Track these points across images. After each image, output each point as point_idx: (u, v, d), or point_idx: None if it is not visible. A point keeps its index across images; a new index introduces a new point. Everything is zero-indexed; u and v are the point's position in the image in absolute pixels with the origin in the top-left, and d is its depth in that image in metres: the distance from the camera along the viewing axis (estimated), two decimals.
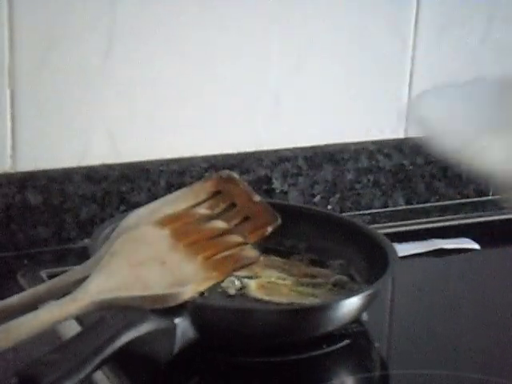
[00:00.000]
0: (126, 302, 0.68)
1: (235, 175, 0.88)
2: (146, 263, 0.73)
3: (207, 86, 0.99)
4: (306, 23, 1.03)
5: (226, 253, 0.78)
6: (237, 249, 0.79)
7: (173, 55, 0.97)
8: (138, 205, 0.87)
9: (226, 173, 0.88)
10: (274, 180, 1.03)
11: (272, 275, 0.81)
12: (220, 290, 0.79)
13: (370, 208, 1.10)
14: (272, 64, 1.02)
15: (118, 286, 0.69)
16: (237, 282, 0.80)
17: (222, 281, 0.78)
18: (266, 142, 1.04)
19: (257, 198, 0.86)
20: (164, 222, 0.79)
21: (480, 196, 1.16)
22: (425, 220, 1.08)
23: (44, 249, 0.92)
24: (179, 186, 0.91)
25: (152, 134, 0.98)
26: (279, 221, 0.85)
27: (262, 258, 0.81)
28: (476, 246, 0.97)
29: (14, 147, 0.91)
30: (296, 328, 0.73)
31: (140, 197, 0.96)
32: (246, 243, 0.80)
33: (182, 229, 0.79)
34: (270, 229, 0.85)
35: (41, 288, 0.72)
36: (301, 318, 0.73)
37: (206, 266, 0.75)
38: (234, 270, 0.78)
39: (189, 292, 0.70)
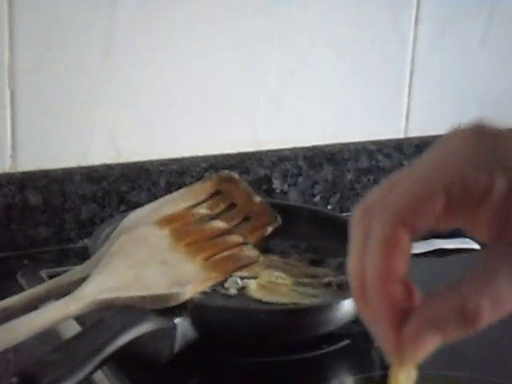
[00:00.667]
0: (126, 302, 0.68)
1: (235, 175, 0.88)
2: (145, 263, 0.73)
3: (207, 86, 0.99)
4: (306, 23, 1.03)
5: (226, 253, 0.78)
6: (237, 249, 0.80)
7: (173, 55, 0.97)
8: (138, 205, 0.87)
9: (226, 173, 0.88)
10: (273, 180, 1.03)
11: (272, 275, 0.81)
12: (221, 290, 0.79)
13: None
14: (272, 64, 1.02)
15: (118, 285, 0.69)
16: (239, 282, 0.80)
17: (223, 281, 0.78)
18: (265, 142, 1.04)
19: (257, 198, 0.86)
20: (164, 222, 0.79)
21: None
22: None
23: (44, 249, 0.92)
24: (179, 186, 0.91)
25: (152, 134, 0.98)
26: (279, 221, 0.85)
27: (261, 258, 0.81)
28: (476, 246, 0.97)
29: (14, 147, 0.91)
30: (296, 328, 0.73)
31: (140, 197, 0.96)
32: (245, 243, 0.81)
33: (182, 229, 0.79)
34: (269, 229, 0.85)
35: (41, 288, 0.72)
36: (301, 318, 0.73)
37: (205, 266, 0.75)
38: (234, 270, 0.78)
39: (188, 292, 0.70)
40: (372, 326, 0.42)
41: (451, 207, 0.41)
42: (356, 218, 0.44)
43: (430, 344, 0.40)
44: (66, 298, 0.67)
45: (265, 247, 0.84)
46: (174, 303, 0.69)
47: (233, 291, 0.79)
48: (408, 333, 0.41)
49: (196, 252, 0.76)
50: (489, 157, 0.42)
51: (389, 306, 0.41)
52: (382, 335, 0.42)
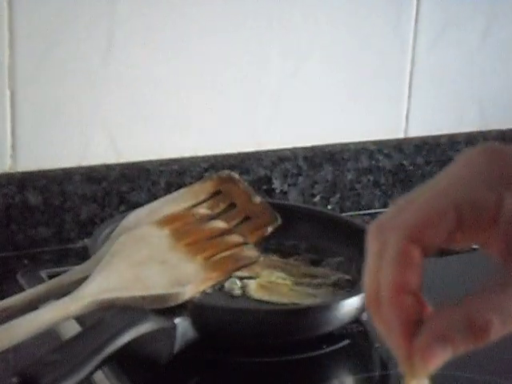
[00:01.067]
0: (126, 302, 0.68)
1: (235, 175, 0.88)
2: (146, 263, 0.73)
3: (207, 86, 0.99)
4: (306, 23, 1.03)
5: (226, 253, 0.78)
6: (237, 249, 0.79)
7: (172, 56, 0.97)
8: (138, 205, 0.87)
9: (226, 173, 0.88)
10: (273, 180, 1.03)
11: (272, 275, 0.81)
12: (222, 290, 0.79)
13: (370, 208, 1.10)
14: (272, 64, 1.02)
15: (118, 285, 0.69)
16: (239, 283, 0.80)
17: (224, 281, 0.78)
18: (265, 142, 1.04)
19: (257, 198, 0.86)
20: (164, 222, 0.79)
21: None
22: None
23: (44, 249, 0.92)
24: (179, 186, 0.91)
25: (152, 134, 0.98)
26: (279, 221, 0.85)
27: (261, 258, 0.81)
28: (476, 246, 0.97)
29: (14, 147, 0.91)
30: (296, 328, 0.73)
31: (140, 197, 0.96)
32: (245, 243, 0.80)
33: (182, 229, 0.79)
34: (269, 229, 0.85)
35: (41, 288, 0.72)
36: (301, 317, 0.73)
37: (206, 266, 0.75)
38: (234, 270, 0.78)
39: (189, 292, 0.70)
40: (386, 336, 0.44)
41: (463, 226, 0.43)
42: (371, 235, 0.46)
43: (440, 356, 0.42)
44: (66, 298, 0.67)
45: (265, 247, 0.84)
46: (173, 303, 0.69)
47: (237, 292, 0.79)
48: (418, 345, 0.42)
49: (196, 252, 0.76)
50: (498, 176, 0.44)
51: (401, 316, 0.43)
52: (395, 345, 0.43)
